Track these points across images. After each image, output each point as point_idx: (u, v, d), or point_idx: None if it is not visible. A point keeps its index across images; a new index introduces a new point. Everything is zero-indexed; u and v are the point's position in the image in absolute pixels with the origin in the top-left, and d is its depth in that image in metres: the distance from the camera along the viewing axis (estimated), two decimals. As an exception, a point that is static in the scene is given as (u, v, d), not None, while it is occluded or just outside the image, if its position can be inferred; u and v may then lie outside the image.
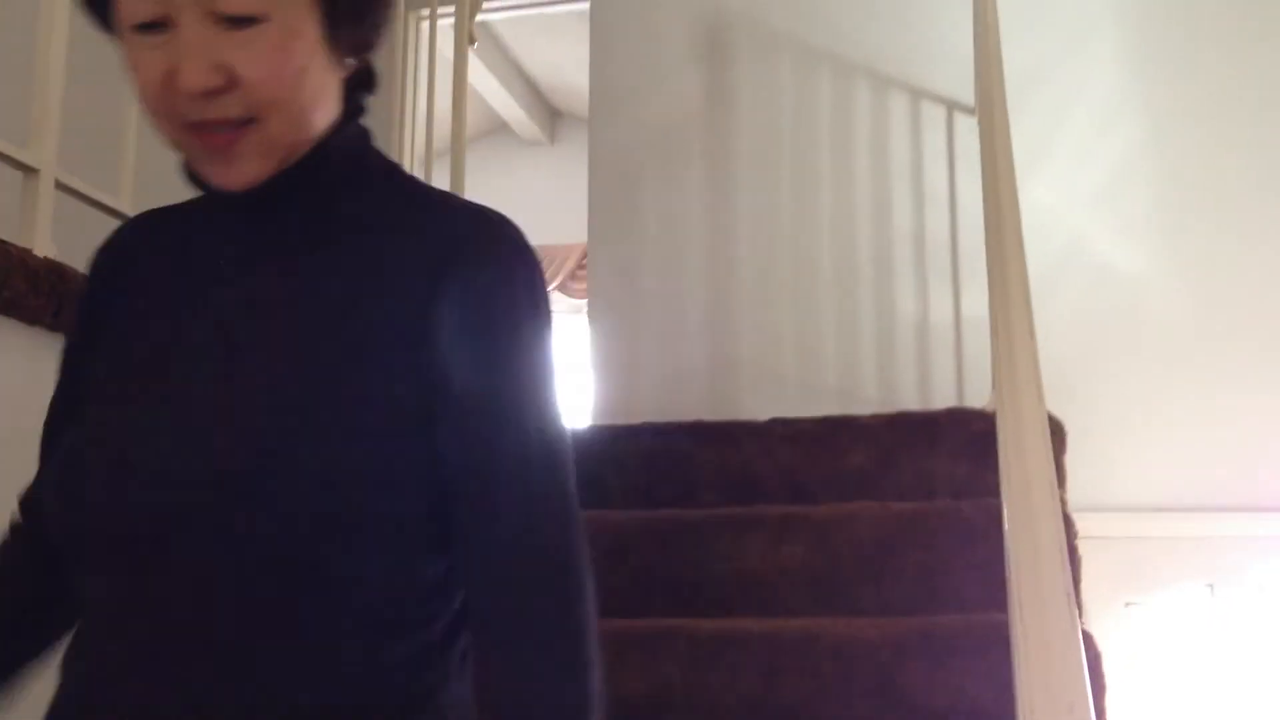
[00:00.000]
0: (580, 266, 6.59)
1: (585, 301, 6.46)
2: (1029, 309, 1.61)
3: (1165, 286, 2.88)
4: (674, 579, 2.17)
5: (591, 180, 3.38)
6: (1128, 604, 2.73)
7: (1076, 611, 1.23)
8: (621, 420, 2.86)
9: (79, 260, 1.37)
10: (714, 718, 1.84)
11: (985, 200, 2.00)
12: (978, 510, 2.05)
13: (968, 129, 2.96)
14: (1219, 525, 2.65)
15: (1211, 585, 2.60)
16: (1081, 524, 2.21)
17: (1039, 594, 1.25)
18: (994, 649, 1.69)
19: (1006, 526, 1.54)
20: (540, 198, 5.99)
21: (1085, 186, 2.96)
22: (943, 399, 2.86)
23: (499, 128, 6.94)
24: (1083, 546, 2.18)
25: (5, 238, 1.30)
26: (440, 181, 2.51)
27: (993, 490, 1.94)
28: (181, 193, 0.95)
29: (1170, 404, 2.77)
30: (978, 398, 2.73)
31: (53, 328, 1.34)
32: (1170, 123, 2.94)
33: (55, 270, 1.35)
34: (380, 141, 0.99)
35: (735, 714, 1.83)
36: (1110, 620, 2.69)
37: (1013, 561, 1.41)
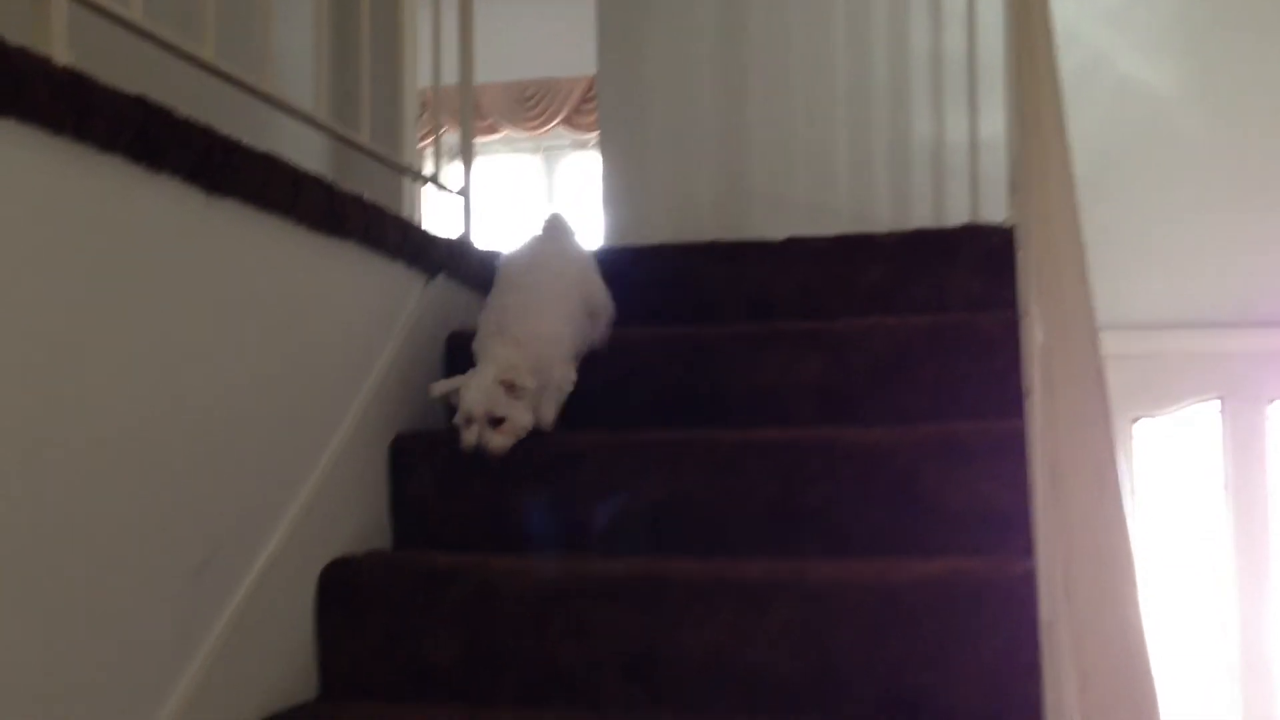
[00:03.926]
0: (585, 100, 6.48)
1: (591, 136, 6.42)
2: (1061, 111, 1.58)
3: (1185, 103, 2.84)
4: (692, 395, 2.20)
5: (600, 7, 3.29)
6: (1135, 419, 2.78)
7: (1107, 411, 1.24)
8: (635, 243, 2.85)
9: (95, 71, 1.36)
10: (732, 523, 1.88)
11: (1012, 9, 1.96)
12: (995, 322, 2.06)
13: (988, -58, 2.86)
14: (1231, 340, 2.67)
15: (1222, 399, 2.64)
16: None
17: (1069, 383, 1.25)
18: (1011, 453, 1.73)
19: (1032, 325, 1.56)
20: (546, 31, 5.84)
21: (1104, 1, 2.89)
22: (957, 220, 2.85)
23: (501, -43, 6.71)
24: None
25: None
26: (449, 26, 2.45)
27: (1009, 304, 1.95)
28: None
29: (1187, 221, 2.76)
30: (992, 219, 2.72)
31: (76, 137, 1.33)
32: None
33: (75, 78, 1.33)
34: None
35: (754, 520, 1.88)
36: (1118, 436, 2.74)
37: (1040, 364, 1.43)
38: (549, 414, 2.02)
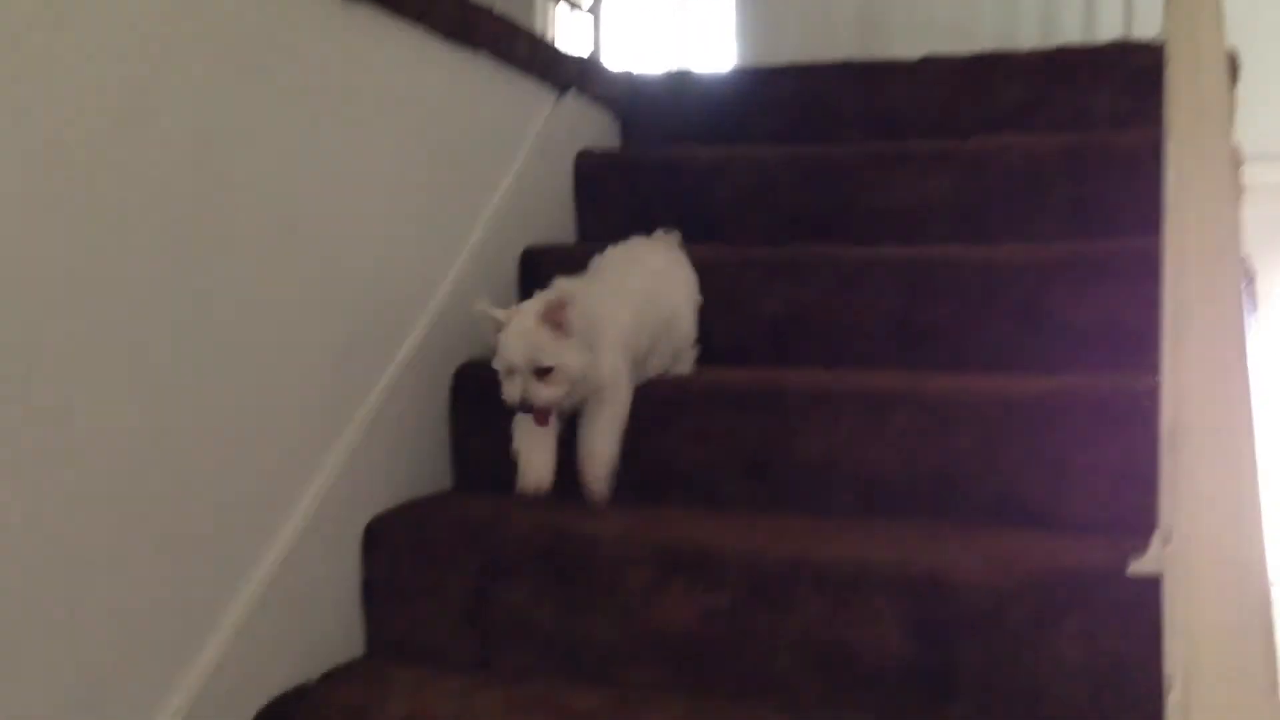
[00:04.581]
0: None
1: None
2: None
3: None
4: (818, 214, 2.19)
5: None
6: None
7: (1237, 236, 1.21)
8: (767, 63, 2.80)
9: None
10: (854, 337, 1.90)
11: None
12: (1138, 142, 1.99)
13: None
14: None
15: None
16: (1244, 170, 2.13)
17: (1200, 217, 1.22)
18: (1144, 272, 1.70)
19: (1169, 153, 1.51)
20: None
21: None
22: (1108, 37, 2.71)
23: None
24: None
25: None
26: None
27: (1156, 123, 1.88)
28: None
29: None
30: (1146, 34, 2.58)
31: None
32: None
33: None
34: None
35: (875, 334, 1.89)
36: (1262, 270, 2.64)
37: (1174, 186, 1.39)
38: (604, 446, 1.66)
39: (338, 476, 1.61)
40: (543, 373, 1.57)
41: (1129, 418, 1.52)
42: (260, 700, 1.46)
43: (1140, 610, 1.31)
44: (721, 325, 1.97)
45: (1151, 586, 1.31)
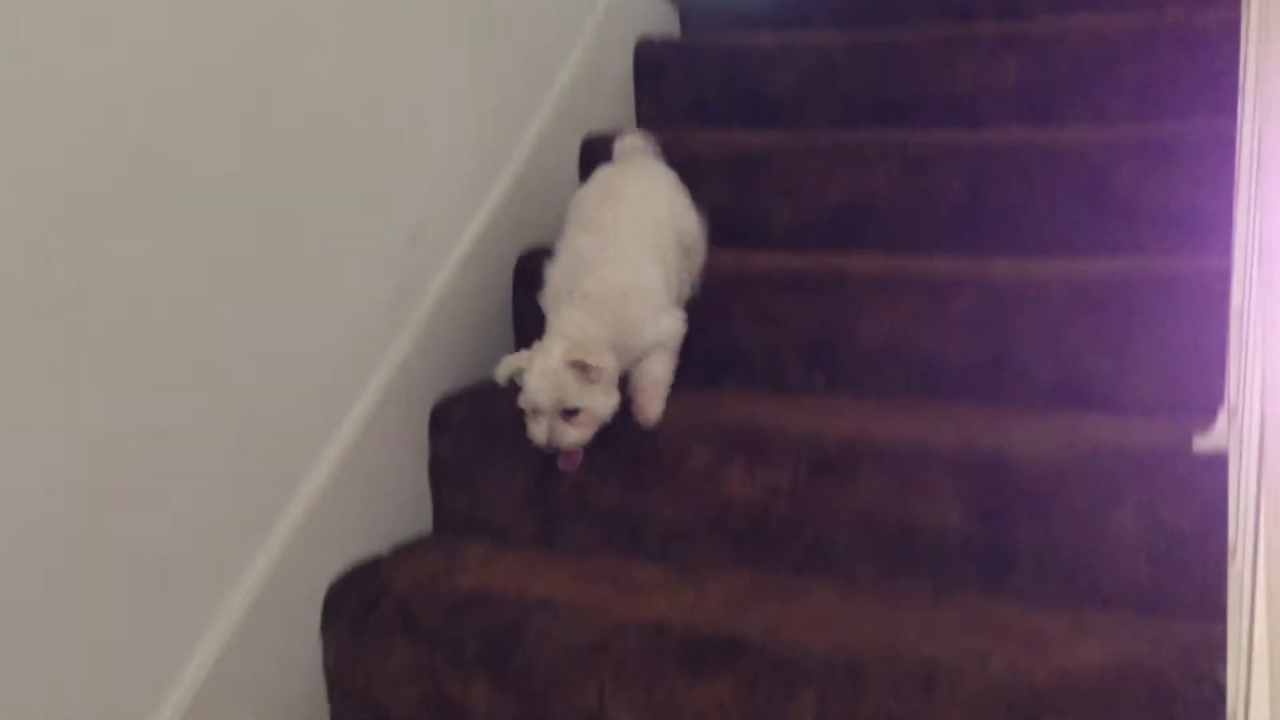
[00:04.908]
0: None
1: None
2: None
3: None
4: (881, 100, 2.16)
5: None
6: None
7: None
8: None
9: None
10: (917, 224, 1.89)
11: None
12: (1213, 21, 1.93)
13: None
14: None
15: None
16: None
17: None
18: (1214, 154, 1.67)
19: (1247, 31, 1.47)
20: None
21: None
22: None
23: None
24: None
25: None
26: None
27: (1230, 4, 1.82)
28: None
29: None
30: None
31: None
32: None
33: None
34: None
35: (938, 221, 1.88)
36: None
37: (1252, 64, 1.36)
38: (661, 371, 1.63)
39: (405, 359, 1.65)
40: (570, 414, 1.50)
41: (1195, 298, 1.51)
42: (337, 569, 1.52)
43: (1200, 486, 1.32)
44: (783, 212, 1.96)
45: (1212, 463, 1.32)
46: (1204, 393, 1.48)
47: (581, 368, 1.48)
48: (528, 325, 1.88)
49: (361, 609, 1.49)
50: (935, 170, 1.88)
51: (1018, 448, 1.40)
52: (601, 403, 1.51)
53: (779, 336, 1.73)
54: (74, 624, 1.16)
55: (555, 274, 1.64)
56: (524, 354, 1.52)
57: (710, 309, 1.75)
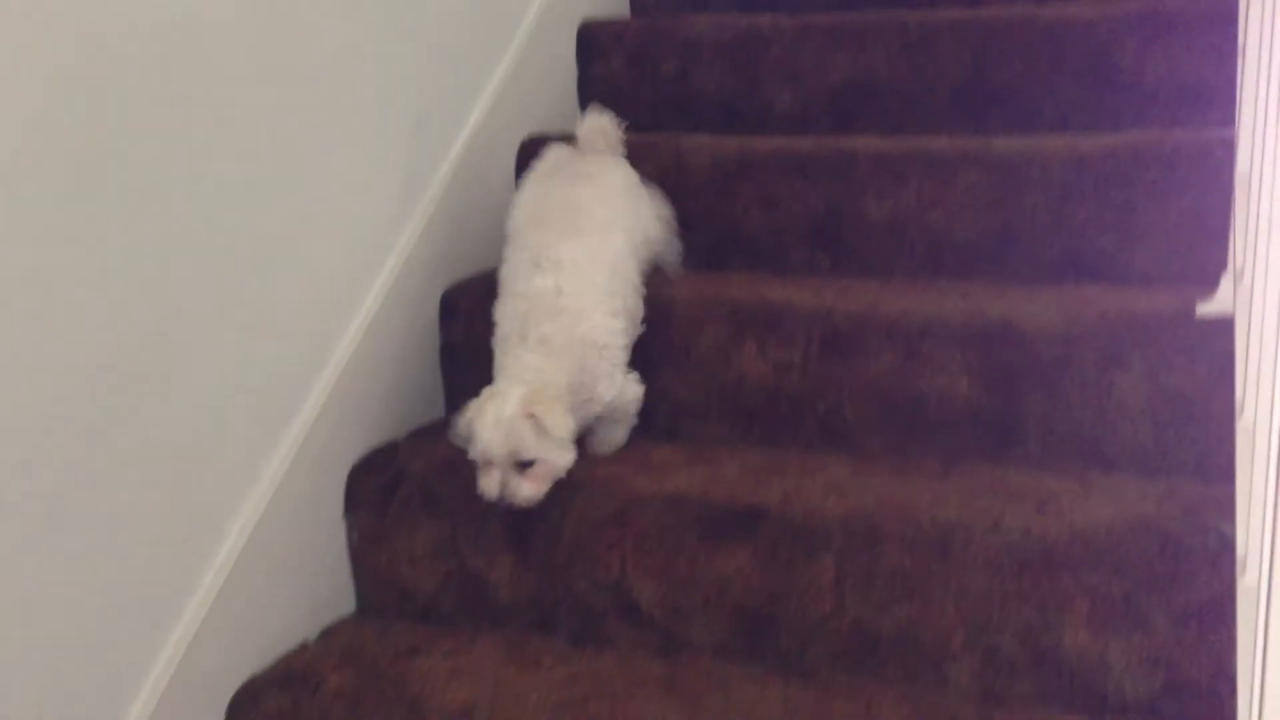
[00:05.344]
0: None
1: None
2: None
3: None
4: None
5: None
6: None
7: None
8: None
9: None
10: (919, 104, 1.88)
11: None
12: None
13: None
14: None
15: None
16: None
17: None
18: (1218, 25, 1.67)
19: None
20: None
21: None
22: None
23: None
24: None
25: None
26: None
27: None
28: None
29: None
30: None
31: None
32: None
33: None
34: None
35: (942, 100, 1.88)
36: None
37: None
38: (622, 438, 1.55)
39: (413, 248, 1.65)
40: (525, 465, 1.37)
41: (1199, 169, 1.52)
42: (357, 452, 1.55)
43: (1203, 351, 1.35)
44: (784, 96, 1.96)
45: (1215, 327, 1.35)
46: (1207, 262, 1.51)
47: (539, 422, 1.35)
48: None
49: (383, 490, 1.52)
50: (937, 49, 1.87)
51: (1025, 318, 1.43)
52: (560, 455, 1.39)
53: (783, 220, 1.74)
54: (108, 510, 1.19)
55: (505, 314, 1.51)
56: (473, 404, 1.40)
57: (715, 193, 1.76)
